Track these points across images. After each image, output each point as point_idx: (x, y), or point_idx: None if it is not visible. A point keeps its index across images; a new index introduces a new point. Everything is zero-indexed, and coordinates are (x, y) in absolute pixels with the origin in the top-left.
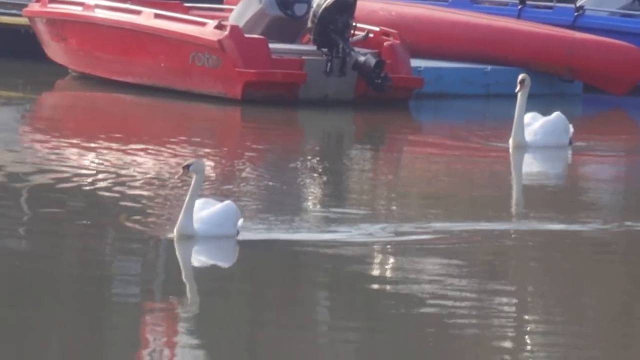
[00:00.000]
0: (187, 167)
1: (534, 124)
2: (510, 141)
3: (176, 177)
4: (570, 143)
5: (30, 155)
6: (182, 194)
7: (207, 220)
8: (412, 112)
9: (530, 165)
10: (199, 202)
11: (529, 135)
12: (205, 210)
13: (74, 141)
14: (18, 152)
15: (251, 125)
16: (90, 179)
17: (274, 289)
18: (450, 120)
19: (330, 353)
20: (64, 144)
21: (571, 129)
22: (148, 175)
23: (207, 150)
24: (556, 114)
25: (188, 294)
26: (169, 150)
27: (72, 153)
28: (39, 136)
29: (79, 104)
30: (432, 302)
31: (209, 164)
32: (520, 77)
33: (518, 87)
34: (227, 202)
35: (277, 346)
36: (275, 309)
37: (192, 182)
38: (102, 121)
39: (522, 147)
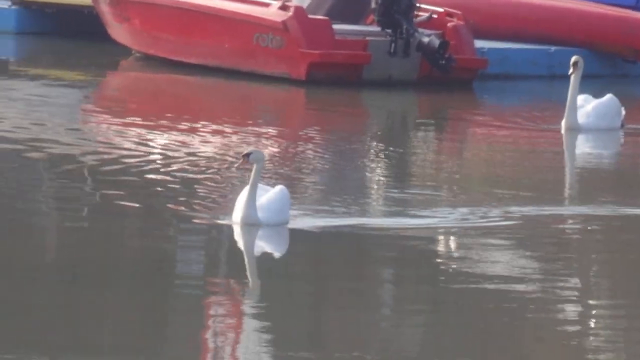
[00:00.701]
0: (246, 156)
1: (586, 106)
2: (563, 123)
3: (235, 166)
4: (622, 126)
5: (93, 136)
6: (244, 179)
7: (268, 208)
8: (476, 93)
9: (585, 148)
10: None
11: (581, 117)
12: (263, 198)
13: (137, 122)
14: (80, 132)
15: (315, 106)
16: (152, 162)
17: (338, 273)
18: (513, 102)
19: (395, 336)
20: (127, 125)
21: (623, 112)
22: (210, 158)
23: (270, 131)
24: (608, 96)
25: (253, 280)
26: (232, 132)
27: (134, 134)
28: (101, 117)
29: (141, 85)
30: (497, 286)
31: (271, 145)
32: (573, 59)
33: (571, 70)
34: (281, 187)
35: (341, 328)
36: (340, 293)
37: (253, 172)
38: (165, 102)
39: (575, 129)
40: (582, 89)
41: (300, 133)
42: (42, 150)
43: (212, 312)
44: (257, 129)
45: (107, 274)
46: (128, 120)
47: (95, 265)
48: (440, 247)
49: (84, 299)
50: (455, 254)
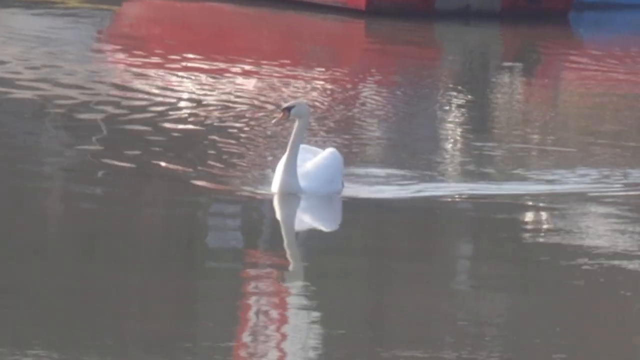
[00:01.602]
0: (287, 110)
1: None
2: None
3: (273, 122)
4: None
5: (108, 78)
6: (284, 136)
7: (315, 176)
8: (571, 26)
9: None
10: None
11: None
12: (309, 163)
13: (158, 61)
14: (94, 74)
15: (377, 42)
16: (176, 109)
17: (401, 252)
18: (615, 37)
19: (467, 320)
20: (147, 65)
21: None
22: (245, 108)
23: (321, 74)
24: None
25: (293, 261)
26: (276, 75)
27: (156, 77)
28: (118, 55)
29: (165, 16)
30: (596, 263)
31: (323, 91)
32: None
33: None
34: (331, 150)
35: (401, 312)
36: (402, 276)
37: (294, 129)
38: (194, 36)
39: None
40: None
41: (357, 75)
42: (50, 97)
43: (246, 297)
44: (306, 70)
45: (127, 249)
46: (149, 59)
47: (114, 239)
48: (528, 218)
49: (103, 278)
50: (546, 225)
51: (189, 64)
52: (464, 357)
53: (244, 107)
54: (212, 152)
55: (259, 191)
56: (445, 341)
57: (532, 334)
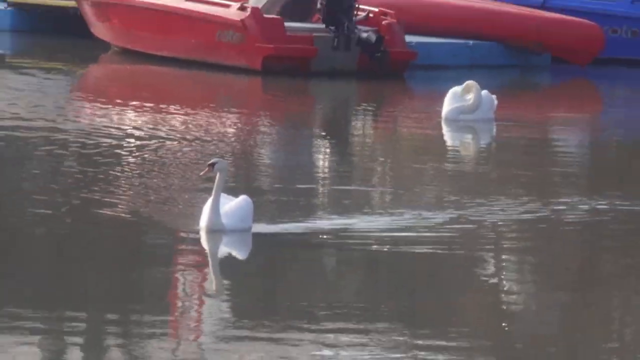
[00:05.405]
0: (211, 166)
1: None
2: (443, 114)
3: (200, 174)
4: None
5: (74, 123)
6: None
7: (233, 215)
8: (407, 81)
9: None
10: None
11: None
12: (226, 205)
13: (115, 107)
14: (66, 117)
15: (270, 93)
16: (126, 146)
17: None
18: (440, 88)
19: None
20: (107, 110)
21: (495, 102)
22: (179, 145)
23: (231, 115)
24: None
25: (215, 278)
26: (200, 116)
27: (113, 118)
28: (85, 103)
29: (120, 75)
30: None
31: (232, 127)
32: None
33: None
34: (244, 197)
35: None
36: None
37: (217, 180)
38: (140, 90)
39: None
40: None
41: (257, 117)
42: (23, 133)
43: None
44: (221, 113)
45: (55, 290)
46: (108, 105)
47: (36, 278)
48: (401, 250)
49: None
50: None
51: (137, 109)
52: None
53: (176, 146)
54: (151, 192)
55: (188, 227)
56: None
57: None
